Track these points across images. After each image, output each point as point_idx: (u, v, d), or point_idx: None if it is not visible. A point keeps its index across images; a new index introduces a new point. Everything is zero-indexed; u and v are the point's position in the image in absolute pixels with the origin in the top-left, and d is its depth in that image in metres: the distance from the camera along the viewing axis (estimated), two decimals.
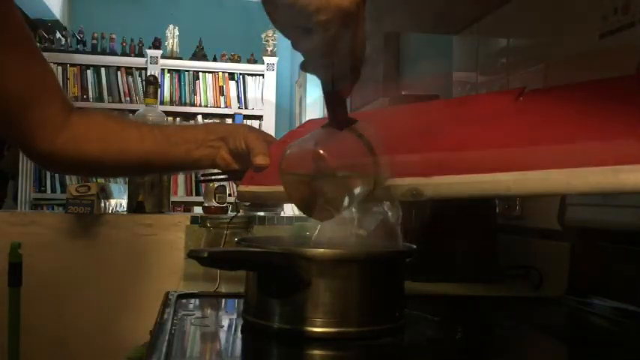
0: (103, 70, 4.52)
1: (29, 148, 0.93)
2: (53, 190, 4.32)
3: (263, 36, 4.79)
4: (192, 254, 0.63)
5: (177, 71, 4.65)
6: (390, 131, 0.75)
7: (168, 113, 4.35)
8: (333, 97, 0.68)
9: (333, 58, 0.62)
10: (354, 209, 0.74)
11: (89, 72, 4.49)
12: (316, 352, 0.67)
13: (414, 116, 0.80)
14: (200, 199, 3.49)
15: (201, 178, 1.15)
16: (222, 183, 2.19)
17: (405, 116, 0.83)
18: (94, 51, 4.55)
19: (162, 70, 4.56)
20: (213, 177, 1.08)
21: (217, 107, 4.68)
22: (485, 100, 0.77)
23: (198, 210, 3.61)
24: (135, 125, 1.01)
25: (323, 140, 0.68)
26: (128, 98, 4.52)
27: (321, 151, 0.65)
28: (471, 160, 0.64)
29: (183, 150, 0.94)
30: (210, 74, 4.70)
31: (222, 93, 4.70)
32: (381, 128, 0.73)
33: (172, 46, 4.65)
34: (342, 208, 0.69)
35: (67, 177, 4.29)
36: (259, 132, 0.96)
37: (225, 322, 0.83)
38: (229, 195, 2.31)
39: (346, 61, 0.63)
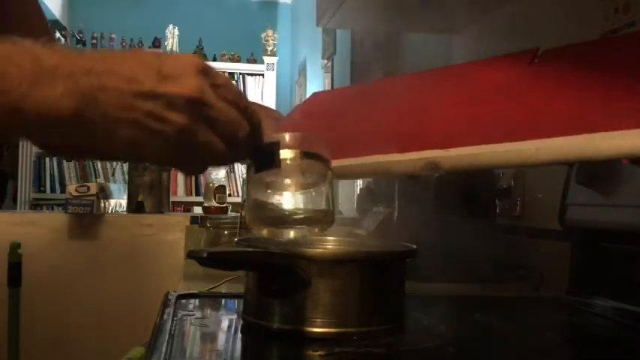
0: None
1: None
2: (53, 190, 4.32)
3: (263, 36, 4.78)
4: (191, 254, 0.63)
5: None
6: (401, 100, 0.73)
7: None
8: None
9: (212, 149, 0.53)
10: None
11: None
12: (316, 352, 0.66)
13: (427, 85, 0.77)
14: (200, 199, 3.48)
15: None
16: (222, 183, 2.19)
17: (415, 85, 0.79)
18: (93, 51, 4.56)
19: None
20: None
21: None
22: (498, 65, 0.74)
23: (198, 210, 3.61)
24: None
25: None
26: None
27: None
28: (488, 130, 0.62)
29: None
30: None
31: None
32: (391, 97, 0.71)
33: (172, 45, 4.65)
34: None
35: (66, 177, 4.29)
36: (266, 109, 0.91)
37: (225, 323, 0.83)
38: (229, 195, 2.31)
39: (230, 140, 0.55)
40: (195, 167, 0.57)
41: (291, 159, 0.63)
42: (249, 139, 0.57)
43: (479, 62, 0.82)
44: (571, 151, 0.56)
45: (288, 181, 0.65)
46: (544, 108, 0.60)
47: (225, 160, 0.56)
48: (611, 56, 0.62)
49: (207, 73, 0.52)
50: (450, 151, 0.62)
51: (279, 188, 0.66)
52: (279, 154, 0.63)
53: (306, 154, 0.64)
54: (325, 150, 0.65)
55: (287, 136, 0.64)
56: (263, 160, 0.63)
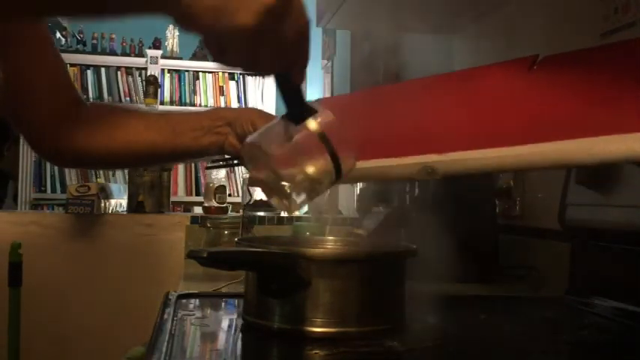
0: (103, 70, 4.52)
1: (39, 144, 0.94)
2: (53, 190, 4.32)
3: None
4: (192, 254, 0.63)
5: (178, 71, 4.65)
6: (399, 106, 0.73)
7: None
8: (285, 88, 0.63)
9: (273, 52, 0.57)
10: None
11: (89, 72, 4.49)
12: (316, 352, 0.67)
13: (425, 91, 0.78)
14: (200, 199, 3.48)
15: (210, 164, 1.12)
16: (222, 183, 2.19)
17: (414, 91, 0.80)
18: (93, 51, 4.55)
19: (163, 70, 4.56)
20: (222, 163, 1.07)
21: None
22: (496, 71, 0.74)
23: (198, 210, 3.61)
24: (140, 116, 0.99)
25: (274, 137, 0.64)
26: (128, 98, 4.51)
27: (272, 152, 0.62)
28: (485, 135, 0.62)
29: (190, 138, 0.93)
30: (210, 74, 4.70)
31: (222, 93, 4.70)
32: (388, 104, 0.71)
33: (172, 46, 4.65)
34: (302, 202, 0.65)
35: (67, 177, 4.29)
36: (266, 115, 0.94)
37: (225, 322, 0.83)
38: (229, 195, 2.31)
39: (288, 49, 0.58)
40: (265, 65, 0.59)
41: (312, 129, 0.61)
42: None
43: (477, 69, 0.83)
44: (567, 155, 0.57)
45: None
46: (542, 113, 0.61)
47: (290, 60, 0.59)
48: (609, 63, 0.63)
49: None
50: (445, 155, 0.63)
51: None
52: (308, 114, 0.62)
53: (322, 139, 0.61)
54: (349, 147, 0.63)
55: (325, 115, 0.63)
56: (294, 104, 0.63)
